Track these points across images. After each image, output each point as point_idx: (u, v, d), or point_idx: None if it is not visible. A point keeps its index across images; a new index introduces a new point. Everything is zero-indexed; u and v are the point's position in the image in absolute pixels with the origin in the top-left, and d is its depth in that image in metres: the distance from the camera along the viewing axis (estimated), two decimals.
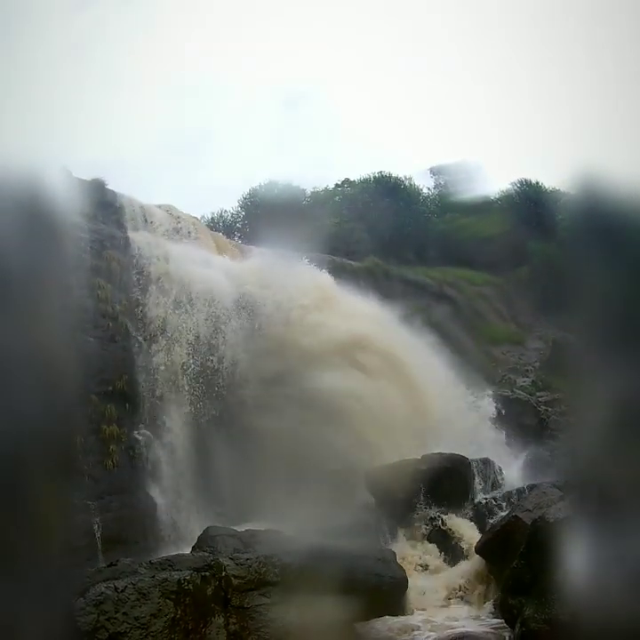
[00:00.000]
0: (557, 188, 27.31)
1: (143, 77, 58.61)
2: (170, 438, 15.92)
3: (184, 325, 18.08)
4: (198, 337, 18.04)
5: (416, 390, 18.18)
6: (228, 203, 33.83)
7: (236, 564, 11.44)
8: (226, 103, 63.08)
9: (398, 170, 33.62)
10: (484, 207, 31.33)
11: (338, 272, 21.51)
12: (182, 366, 17.46)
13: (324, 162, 50.67)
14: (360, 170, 36.08)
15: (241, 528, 12.99)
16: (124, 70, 55.94)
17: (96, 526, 13.59)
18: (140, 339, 17.18)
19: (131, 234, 18.98)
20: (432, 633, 11.23)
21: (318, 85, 66.13)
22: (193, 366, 17.63)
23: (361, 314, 19.89)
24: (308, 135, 59.68)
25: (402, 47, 63.98)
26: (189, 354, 17.74)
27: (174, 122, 55.46)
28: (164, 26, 60.97)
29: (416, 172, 34.17)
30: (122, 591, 10.58)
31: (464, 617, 12.04)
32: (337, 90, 63.45)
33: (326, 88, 65.83)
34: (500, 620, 11.54)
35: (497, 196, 32.64)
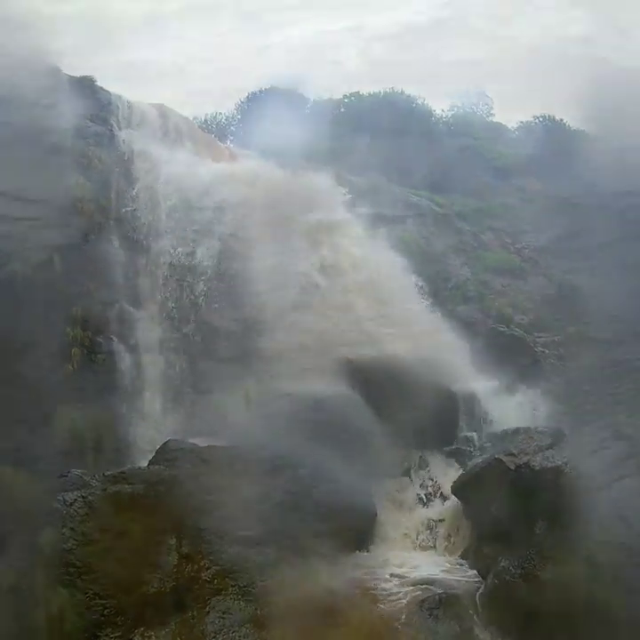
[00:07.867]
0: (583, 130, 25.68)
1: None
2: (137, 346, 14.90)
3: (166, 232, 16.88)
4: (179, 244, 16.82)
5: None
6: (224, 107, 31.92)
7: (193, 480, 10.80)
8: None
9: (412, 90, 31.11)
10: (499, 135, 29.44)
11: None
12: (161, 275, 16.35)
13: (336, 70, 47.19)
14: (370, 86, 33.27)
15: (205, 443, 12.17)
16: None
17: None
18: (115, 239, 15.98)
19: (117, 132, 17.69)
20: (396, 579, 10.66)
21: None
22: (172, 276, 16.48)
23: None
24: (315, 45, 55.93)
25: None
26: (169, 263, 16.58)
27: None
28: None
29: (430, 93, 31.65)
30: (71, 505, 10.02)
31: (434, 563, 11.44)
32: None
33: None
34: (471, 570, 11.01)
35: (515, 126, 30.80)
